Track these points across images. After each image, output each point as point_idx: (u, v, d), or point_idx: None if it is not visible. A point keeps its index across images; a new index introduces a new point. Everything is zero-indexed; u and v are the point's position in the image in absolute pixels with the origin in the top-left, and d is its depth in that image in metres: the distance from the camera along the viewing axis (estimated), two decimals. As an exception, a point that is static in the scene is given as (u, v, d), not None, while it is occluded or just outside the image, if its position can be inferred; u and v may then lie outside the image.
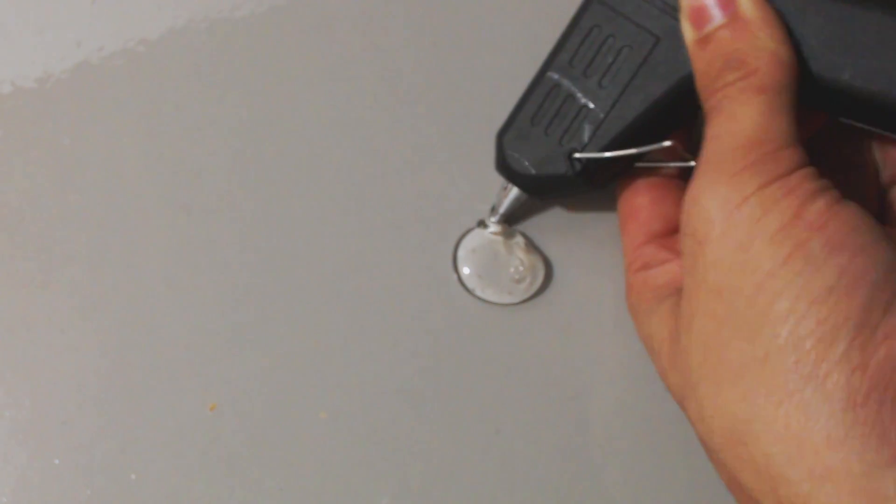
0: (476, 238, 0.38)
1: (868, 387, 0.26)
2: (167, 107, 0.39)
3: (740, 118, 0.30)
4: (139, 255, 0.37)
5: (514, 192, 0.37)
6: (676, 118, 0.34)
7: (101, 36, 0.39)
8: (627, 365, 0.38)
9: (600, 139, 0.34)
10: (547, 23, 0.40)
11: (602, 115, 0.34)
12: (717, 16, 0.31)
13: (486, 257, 0.38)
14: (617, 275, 0.39)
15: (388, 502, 0.36)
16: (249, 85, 0.39)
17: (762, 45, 0.31)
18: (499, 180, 0.37)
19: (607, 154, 0.34)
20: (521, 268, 0.38)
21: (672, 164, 0.35)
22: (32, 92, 0.39)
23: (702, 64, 0.32)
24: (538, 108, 0.35)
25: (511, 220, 0.38)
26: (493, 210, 0.38)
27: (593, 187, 0.35)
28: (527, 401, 0.37)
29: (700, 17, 0.32)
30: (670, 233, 0.35)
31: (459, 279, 0.38)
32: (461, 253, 0.38)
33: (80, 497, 0.36)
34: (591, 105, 0.34)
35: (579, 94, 0.34)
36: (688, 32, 0.32)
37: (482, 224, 0.38)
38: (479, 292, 0.38)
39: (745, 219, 0.28)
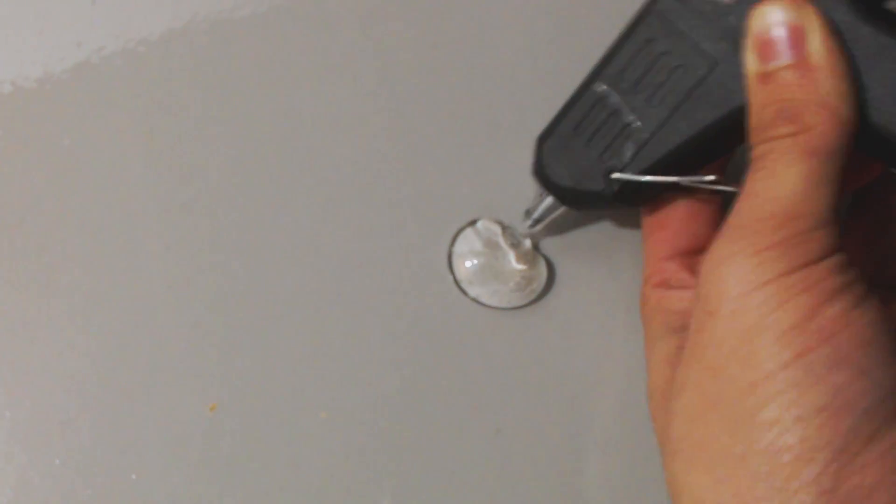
0: (476, 242, 0.38)
1: None
2: (167, 107, 0.39)
3: (782, 180, 0.28)
4: (139, 256, 0.37)
5: (550, 199, 0.36)
6: (723, 147, 0.33)
7: (102, 36, 0.39)
8: (627, 366, 0.38)
9: (642, 161, 0.33)
10: (546, 20, 0.40)
11: (647, 136, 0.32)
12: (784, 54, 0.29)
13: (487, 262, 0.38)
14: (619, 278, 0.39)
15: (388, 502, 0.36)
16: (249, 85, 0.39)
17: (823, 99, 0.29)
18: (498, 181, 0.37)
19: (647, 178, 0.33)
20: (521, 280, 0.38)
21: (711, 187, 0.33)
22: (32, 92, 0.39)
23: (758, 102, 0.30)
24: (582, 118, 0.34)
25: (540, 224, 0.37)
26: (528, 214, 0.37)
27: (628, 206, 0.35)
28: (527, 401, 0.37)
29: (766, 50, 0.30)
30: (696, 252, 0.34)
31: (458, 284, 0.38)
32: (459, 254, 0.38)
33: (80, 497, 0.36)
34: (637, 123, 0.33)
35: (626, 111, 0.33)
36: (751, 63, 0.30)
37: (473, 223, 0.38)
38: (475, 295, 0.38)
39: (759, 306, 0.27)
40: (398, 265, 0.38)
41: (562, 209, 0.36)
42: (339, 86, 0.39)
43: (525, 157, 0.36)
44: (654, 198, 0.35)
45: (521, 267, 0.38)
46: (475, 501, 0.37)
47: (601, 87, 0.33)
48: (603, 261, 0.39)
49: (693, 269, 0.34)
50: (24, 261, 0.37)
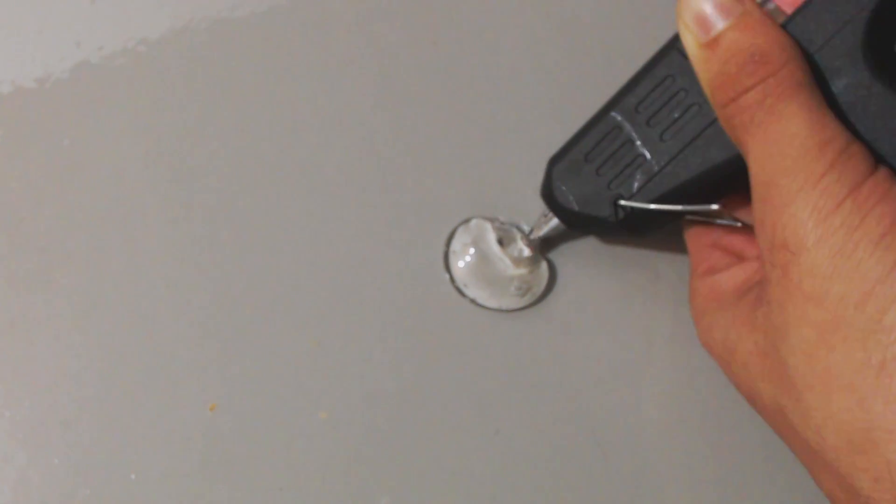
0: (470, 241, 0.38)
1: None
2: (167, 107, 0.39)
3: (789, 119, 0.29)
4: (139, 255, 0.37)
5: (555, 221, 0.36)
6: (729, 187, 0.33)
7: (101, 36, 0.39)
8: (626, 367, 0.38)
9: (649, 192, 0.34)
10: (543, 23, 0.40)
11: (656, 169, 0.33)
12: (721, 18, 0.30)
13: (484, 262, 0.38)
14: (620, 280, 0.39)
15: (388, 502, 0.36)
16: (249, 84, 0.39)
17: (782, 39, 0.29)
18: (495, 180, 0.37)
19: (653, 206, 0.34)
20: (522, 285, 0.38)
21: (718, 222, 0.35)
22: (32, 92, 0.39)
23: (715, 66, 0.30)
24: (595, 145, 0.35)
25: (543, 246, 0.38)
26: (531, 233, 0.38)
27: (631, 235, 0.35)
28: (527, 401, 0.37)
29: (704, 23, 0.30)
30: (734, 234, 0.35)
31: (454, 284, 0.38)
32: (455, 253, 0.38)
33: (80, 497, 0.36)
34: (648, 156, 0.34)
35: (638, 143, 0.34)
36: (691, 40, 0.30)
37: (467, 222, 0.38)
38: (474, 297, 0.38)
39: (842, 225, 0.27)
40: (397, 264, 0.38)
41: (564, 228, 0.37)
42: (338, 85, 0.39)
43: (522, 154, 0.36)
44: (657, 229, 0.35)
45: (519, 271, 0.38)
46: (475, 501, 0.37)
47: (617, 118, 0.34)
48: (605, 263, 0.39)
49: (735, 251, 0.34)
50: (24, 261, 0.37)
